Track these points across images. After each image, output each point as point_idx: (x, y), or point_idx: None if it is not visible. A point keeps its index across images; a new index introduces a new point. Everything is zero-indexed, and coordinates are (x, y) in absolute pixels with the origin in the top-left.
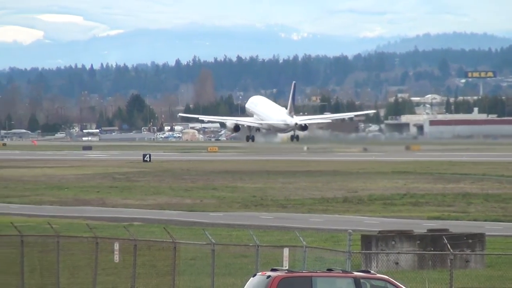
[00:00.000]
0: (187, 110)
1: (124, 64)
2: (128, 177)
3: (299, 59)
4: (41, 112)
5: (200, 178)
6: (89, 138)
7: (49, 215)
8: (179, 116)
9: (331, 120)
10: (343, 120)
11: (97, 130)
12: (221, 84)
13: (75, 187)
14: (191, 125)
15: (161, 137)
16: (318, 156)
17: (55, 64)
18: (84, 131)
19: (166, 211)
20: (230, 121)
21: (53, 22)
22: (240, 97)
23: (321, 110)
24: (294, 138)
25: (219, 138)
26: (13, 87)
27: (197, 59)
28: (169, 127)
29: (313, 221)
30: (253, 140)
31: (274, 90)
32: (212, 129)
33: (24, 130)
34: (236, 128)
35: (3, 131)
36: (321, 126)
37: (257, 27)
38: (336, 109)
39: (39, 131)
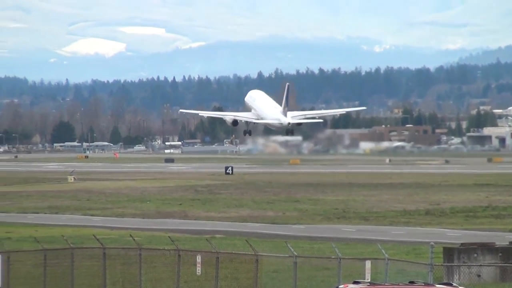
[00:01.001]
0: None
1: (206, 77)
2: (210, 190)
3: (381, 72)
4: (123, 125)
5: (282, 191)
6: (171, 151)
7: (131, 228)
8: (180, 112)
9: (322, 117)
10: (425, 132)
11: (179, 143)
12: (303, 96)
13: (157, 199)
14: (273, 137)
15: (243, 149)
16: (400, 168)
17: (137, 76)
18: (166, 143)
19: (248, 223)
20: (229, 116)
21: (135, 34)
22: (322, 110)
23: (403, 122)
24: (289, 132)
25: (301, 151)
26: (95, 100)
27: (279, 71)
28: (251, 140)
29: (395, 234)
30: (250, 135)
31: (356, 102)
32: (294, 142)
33: (106, 143)
34: (234, 122)
35: (85, 144)
36: (402, 138)
37: (339, 39)
38: (418, 121)
39: (121, 143)
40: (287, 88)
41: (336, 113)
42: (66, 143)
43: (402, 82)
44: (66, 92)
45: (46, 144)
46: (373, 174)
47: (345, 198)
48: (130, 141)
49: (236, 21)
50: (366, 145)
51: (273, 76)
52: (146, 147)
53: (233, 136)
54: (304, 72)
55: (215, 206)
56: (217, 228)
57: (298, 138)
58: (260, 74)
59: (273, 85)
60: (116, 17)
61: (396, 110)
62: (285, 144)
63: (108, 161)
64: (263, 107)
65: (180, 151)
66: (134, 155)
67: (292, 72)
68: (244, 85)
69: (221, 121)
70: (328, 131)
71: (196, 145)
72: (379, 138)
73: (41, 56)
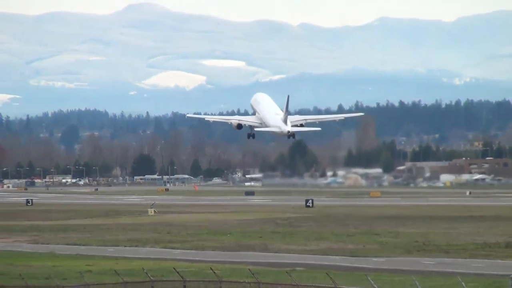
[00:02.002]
0: (349, 155)
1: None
2: (291, 222)
3: (461, 104)
4: (203, 158)
5: (362, 224)
6: (252, 183)
7: (211, 261)
8: (187, 117)
9: (319, 121)
10: (505, 165)
11: (260, 175)
12: (384, 129)
13: (237, 232)
14: (353, 170)
15: (324, 182)
16: (480, 201)
17: (217, 109)
18: (247, 176)
19: (328, 256)
20: (234, 120)
21: (216, 67)
22: (403, 142)
23: (483, 155)
24: (291, 136)
25: (382, 184)
26: (176, 133)
27: (359, 104)
28: (331, 172)
29: (475, 267)
30: (253, 138)
31: (436, 135)
32: (374, 174)
33: (186, 176)
34: (239, 126)
35: (165, 177)
36: (482, 171)
37: (419, 72)
38: (498, 154)
39: (201, 176)
40: (287, 98)
41: (335, 118)
42: (146, 176)
43: (482, 115)
44: (146, 124)
45: (126, 177)
46: (453, 207)
47: (425, 231)
48: (211, 174)
49: (317, 54)
50: (446, 178)
51: (353, 108)
52: (226, 179)
53: (313, 168)
54: (385, 104)
55: (295, 239)
56: (298, 261)
57: (379, 170)
58: (340, 107)
59: (353, 117)
60: (197, 50)
61: (476, 143)
62: (365, 176)
63: (188, 193)
64: (266, 113)
65: (260, 184)
66: (214, 188)
67: (373, 104)
68: None
69: (301, 153)
70: (408, 164)
71: (277, 177)
72: (459, 170)
73: (121, 89)
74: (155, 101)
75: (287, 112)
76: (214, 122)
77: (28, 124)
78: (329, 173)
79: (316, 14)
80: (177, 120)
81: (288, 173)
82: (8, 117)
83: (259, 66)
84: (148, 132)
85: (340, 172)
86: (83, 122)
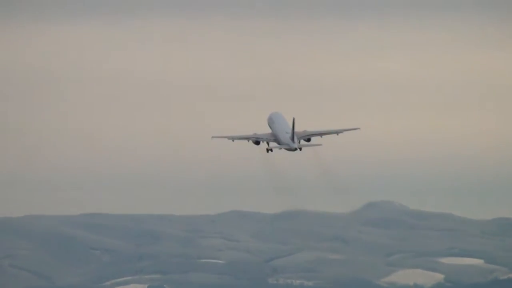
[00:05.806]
0: None
1: None
2: None
3: None
4: None
5: None
6: None
7: None
8: (212, 138)
9: (322, 134)
10: None
11: None
12: None
13: None
14: None
15: None
16: None
17: None
18: None
19: None
20: (253, 138)
21: (454, 264)
22: None
23: None
24: (299, 149)
25: None
26: None
27: None
28: None
29: None
30: (272, 151)
31: None
32: None
33: None
34: (257, 142)
35: None
36: None
37: None
38: None
39: None
40: (293, 121)
41: (336, 132)
42: None
43: None
44: None
45: None
46: None
47: None
48: None
49: None
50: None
51: None
52: None
53: None
54: None
55: None
56: None
57: None
58: None
59: None
60: (436, 248)
61: None
62: None
63: None
64: (278, 131)
65: None
66: None
67: None
68: None
69: None
70: None
71: None
72: None
73: (361, 287)
74: None
75: (293, 131)
76: (236, 141)
77: None
78: None
79: None
80: None
81: None
82: None
83: (498, 264)
84: None
85: None
86: None
